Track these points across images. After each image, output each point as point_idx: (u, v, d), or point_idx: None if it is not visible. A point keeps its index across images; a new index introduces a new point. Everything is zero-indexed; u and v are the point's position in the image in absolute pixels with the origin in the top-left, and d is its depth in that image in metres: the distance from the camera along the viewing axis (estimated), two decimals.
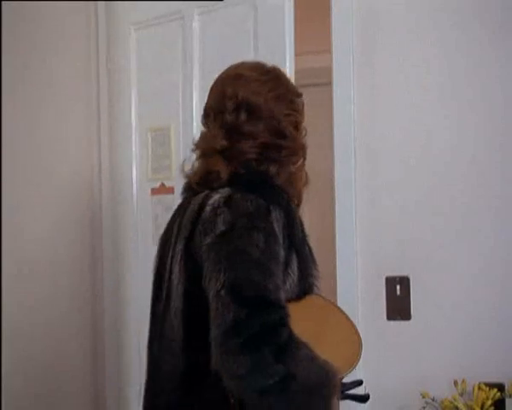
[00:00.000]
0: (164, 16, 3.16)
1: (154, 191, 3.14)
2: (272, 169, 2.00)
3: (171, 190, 2.99)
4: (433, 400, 2.72)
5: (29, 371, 2.81)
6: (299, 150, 2.08)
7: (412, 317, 2.89)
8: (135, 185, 3.24)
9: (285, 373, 1.76)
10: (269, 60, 2.79)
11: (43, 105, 2.95)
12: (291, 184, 2.06)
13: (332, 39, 2.94)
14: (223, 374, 1.79)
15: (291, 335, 1.80)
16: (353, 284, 2.93)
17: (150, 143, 3.21)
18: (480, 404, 2.64)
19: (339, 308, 2.07)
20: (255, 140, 2.00)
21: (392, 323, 2.91)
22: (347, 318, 2.04)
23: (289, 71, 2.87)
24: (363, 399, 2.10)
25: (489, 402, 2.64)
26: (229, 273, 1.80)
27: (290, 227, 1.94)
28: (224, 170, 1.98)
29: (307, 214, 2.88)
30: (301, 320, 1.87)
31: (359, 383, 2.09)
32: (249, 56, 2.86)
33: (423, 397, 2.73)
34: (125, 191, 3.26)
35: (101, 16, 3.30)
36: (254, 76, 2.05)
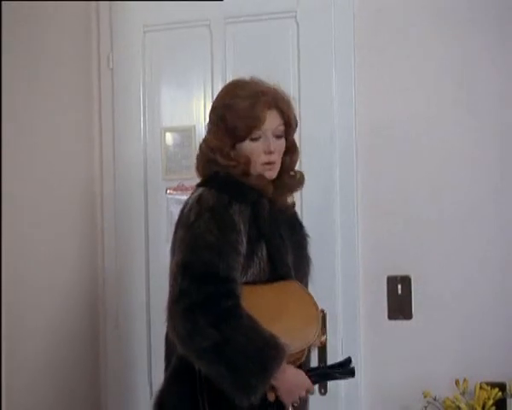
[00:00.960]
0: (185, 22, 3.18)
1: (172, 190, 3.18)
2: (232, 172, 2.21)
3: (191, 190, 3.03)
4: (434, 399, 2.73)
5: (30, 368, 2.80)
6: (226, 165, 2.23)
7: (413, 316, 2.90)
8: (143, 184, 3.24)
9: (218, 339, 2.01)
10: (313, 72, 3.00)
11: (43, 105, 2.94)
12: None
13: (333, 35, 2.98)
14: (170, 336, 2.09)
15: (236, 306, 2.05)
16: (355, 284, 2.94)
17: (164, 143, 3.23)
18: (481, 403, 2.66)
19: (309, 295, 2.22)
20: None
21: (393, 322, 2.92)
22: (314, 304, 2.20)
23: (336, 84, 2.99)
24: (351, 372, 2.22)
25: (490, 402, 2.66)
26: (184, 253, 2.11)
27: (257, 220, 2.16)
28: (200, 173, 2.31)
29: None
30: (267, 298, 2.15)
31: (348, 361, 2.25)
32: (290, 66, 3.04)
33: (425, 397, 2.73)
34: (132, 190, 3.26)
35: (103, 16, 3.29)
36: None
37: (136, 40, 3.25)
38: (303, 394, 2.14)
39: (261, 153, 2.21)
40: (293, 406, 2.13)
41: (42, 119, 2.93)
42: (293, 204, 2.37)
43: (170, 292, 2.10)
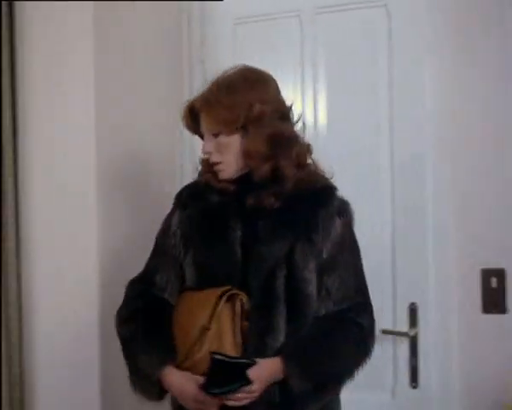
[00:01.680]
0: (275, 13, 3.16)
1: None
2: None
3: None
4: None
5: None
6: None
7: (508, 310, 2.83)
8: None
9: (121, 338, 2.21)
10: (404, 63, 2.93)
11: (136, 96, 3.01)
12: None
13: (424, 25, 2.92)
14: None
15: (140, 309, 2.20)
16: (448, 277, 2.88)
17: None
18: None
19: (206, 307, 2.08)
20: None
21: (487, 316, 2.85)
22: (203, 317, 2.08)
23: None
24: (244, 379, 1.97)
25: None
26: None
27: (187, 226, 2.21)
28: None
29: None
30: (187, 306, 2.13)
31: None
32: (380, 57, 2.98)
33: None
34: None
35: (194, 9, 3.31)
36: None
37: (227, 33, 3.27)
38: (191, 405, 2.04)
39: None
40: None
41: (135, 109, 3.01)
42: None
43: None
